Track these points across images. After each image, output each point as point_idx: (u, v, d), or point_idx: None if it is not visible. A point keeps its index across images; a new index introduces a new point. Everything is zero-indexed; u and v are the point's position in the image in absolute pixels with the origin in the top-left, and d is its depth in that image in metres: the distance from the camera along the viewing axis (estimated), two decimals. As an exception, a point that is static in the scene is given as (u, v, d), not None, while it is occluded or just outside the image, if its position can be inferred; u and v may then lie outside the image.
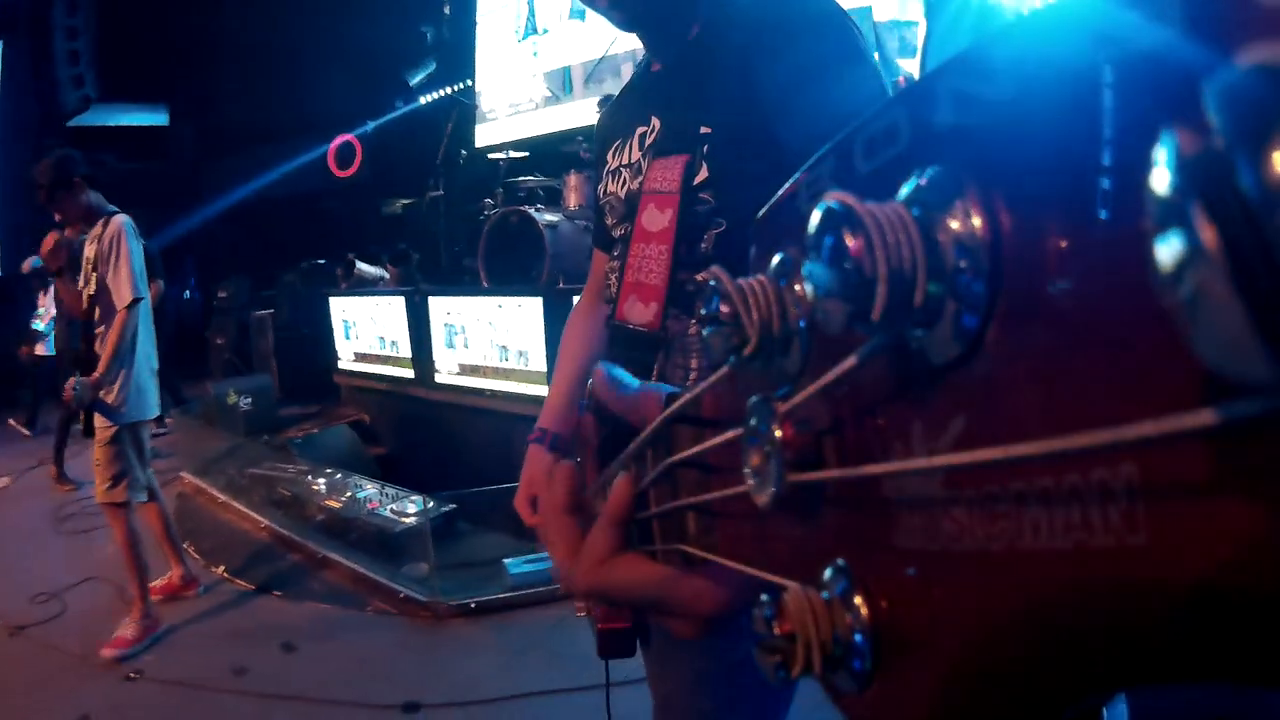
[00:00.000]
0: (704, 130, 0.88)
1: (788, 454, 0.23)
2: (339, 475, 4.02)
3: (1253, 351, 0.10)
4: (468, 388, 4.00)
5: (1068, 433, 0.14)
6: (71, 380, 2.69)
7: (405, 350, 4.53)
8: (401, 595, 2.98)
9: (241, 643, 2.85)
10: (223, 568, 3.50)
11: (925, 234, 0.16)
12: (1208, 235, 0.10)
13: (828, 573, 0.23)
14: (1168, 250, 0.11)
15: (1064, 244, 0.14)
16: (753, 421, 0.25)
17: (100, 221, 2.77)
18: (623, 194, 1.01)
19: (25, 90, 9.28)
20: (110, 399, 2.72)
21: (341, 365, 5.20)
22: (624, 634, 0.77)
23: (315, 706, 2.42)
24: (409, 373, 4.50)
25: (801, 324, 0.23)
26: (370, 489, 3.77)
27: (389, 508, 3.53)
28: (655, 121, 0.96)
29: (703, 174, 0.87)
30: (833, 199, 0.17)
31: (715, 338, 0.24)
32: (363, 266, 5.50)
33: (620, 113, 1.09)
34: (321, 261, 6.53)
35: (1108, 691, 0.15)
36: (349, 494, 3.77)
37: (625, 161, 1.01)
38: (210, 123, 10.31)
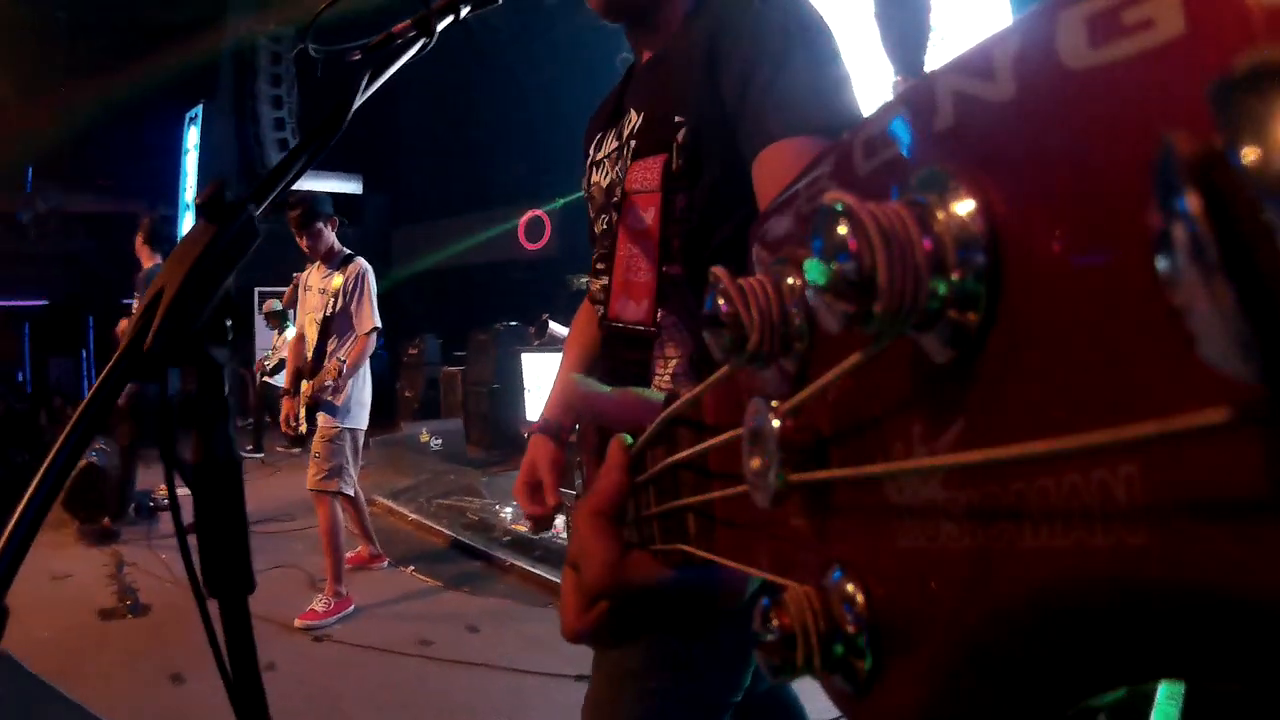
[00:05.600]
0: (678, 120, 0.89)
1: (788, 454, 0.23)
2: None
3: (1253, 351, 0.10)
4: None
5: (1068, 432, 0.14)
6: (290, 407, 3.25)
7: None
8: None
9: (427, 622, 3.10)
10: (411, 568, 3.80)
11: (926, 234, 0.16)
12: (1208, 234, 0.10)
13: (828, 572, 0.23)
14: (1169, 249, 0.11)
15: (1065, 243, 0.14)
16: (753, 421, 0.25)
17: (340, 259, 3.32)
18: (605, 184, 1.02)
19: (223, 151, 10.41)
20: (338, 402, 3.18)
21: (530, 418, 5.42)
22: None
23: (493, 673, 2.63)
24: None
25: (802, 324, 0.23)
26: (558, 518, 3.96)
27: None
28: (634, 115, 0.98)
29: (678, 165, 0.89)
30: (833, 199, 0.17)
31: (715, 337, 0.24)
32: (555, 326, 5.69)
33: (603, 109, 1.11)
34: (514, 322, 6.85)
35: (1107, 691, 0.15)
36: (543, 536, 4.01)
37: (606, 152, 1.03)
38: (401, 192, 11.34)
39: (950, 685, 0.18)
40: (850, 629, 0.21)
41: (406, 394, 8.19)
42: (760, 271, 0.24)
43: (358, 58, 0.79)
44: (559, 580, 3.31)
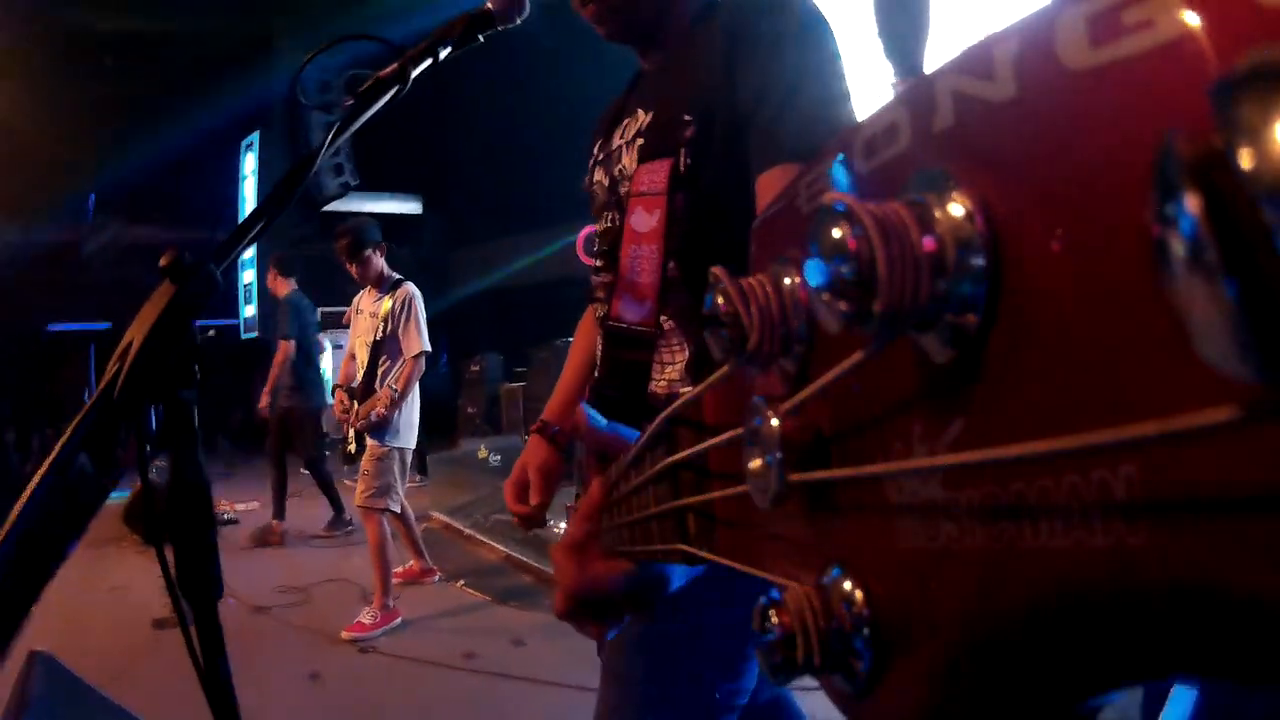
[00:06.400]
0: (687, 118, 0.90)
1: (788, 453, 0.23)
2: None
3: (1253, 351, 0.10)
4: None
5: (1068, 432, 0.14)
6: (352, 407, 3.34)
7: None
8: None
9: (473, 636, 3.14)
10: (461, 582, 3.84)
11: (925, 234, 0.16)
12: (1208, 234, 0.10)
13: (828, 572, 0.23)
14: (1169, 249, 0.11)
15: (1065, 243, 0.14)
16: (753, 421, 0.25)
17: (389, 284, 3.42)
18: (607, 182, 1.03)
19: (279, 178, 10.51)
20: (387, 425, 3.28)
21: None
22: None
23: (538, 687, 2.62)
24: None
25: (801, 324, 0.23)
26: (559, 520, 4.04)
27: None
28: (641, 114, 0.99)
29: (685, 166, 0.89)
30: (833, 198, 0.17)
31: (715, 337, 0.24)
32: None
33: (608, 112, 1.12)
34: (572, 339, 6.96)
35: (1107, 691, 0.15)
36: None
37: (610, 150, 1.03)
38: (460, 211, 11.48)
39: (950, 686, 0.18)
40: (850, 629, 0.21)
41: (469, 410, 8.39)
42: (760, 271, 0.24)
43: (350, 103, 0.82)
44: None
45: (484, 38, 0.91)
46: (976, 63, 0.16)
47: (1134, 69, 0.12)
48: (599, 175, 1.05)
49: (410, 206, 11.72)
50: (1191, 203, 0.11)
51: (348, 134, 0.78)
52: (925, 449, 0.18)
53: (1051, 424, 0.14)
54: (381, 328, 3.36)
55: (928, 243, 0.16)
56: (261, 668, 2.63)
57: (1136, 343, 0.13)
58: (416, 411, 3.43)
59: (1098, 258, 0.13)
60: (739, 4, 0.92)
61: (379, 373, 3.38)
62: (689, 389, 0.36)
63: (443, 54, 0.86)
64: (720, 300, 0.23)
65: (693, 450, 0.35)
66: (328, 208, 9.43)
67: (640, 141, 0.97)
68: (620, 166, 0.99)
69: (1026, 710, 0.17)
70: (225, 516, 5.20)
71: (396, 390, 3.26)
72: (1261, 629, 0.11)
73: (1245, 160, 0.10)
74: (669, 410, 0.38)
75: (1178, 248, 0.11)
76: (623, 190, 0.98)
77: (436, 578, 3.86)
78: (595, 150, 1.08)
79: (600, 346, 1.01)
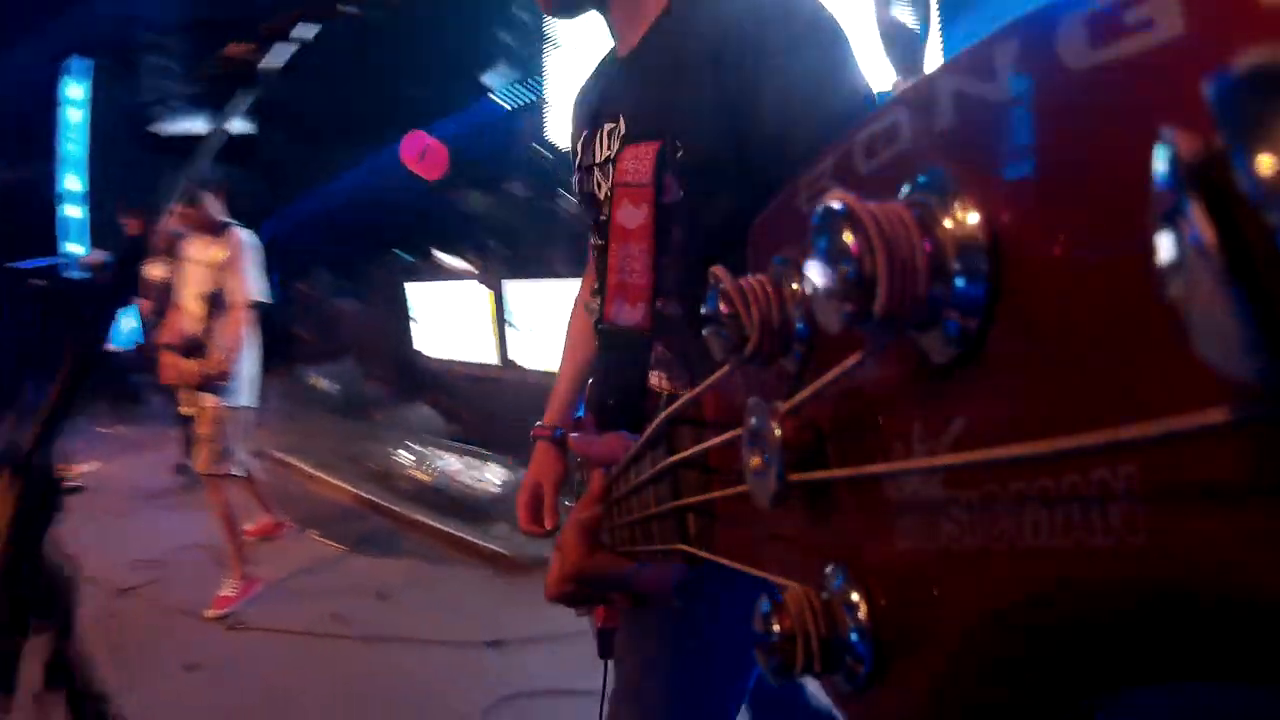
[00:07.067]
0: (673, 123, 0.83)
1: (788, 454, 0.23)
2: (424, 449, 4.16)
3: (1253, 351, 0.10)
4: (545, 371, 4.12)
5: (1068, 432, 0.14)
6: (181, 364, 3.08)
7: (485, 335, 4.62)
8: (486, 550, 3.17)
9: (337, 594, 3.06)
10: (316, 532, 3.65)
11: (926, 234, 0.16)
12: (1208, 234, 0.10)
13: (828, 572, 0.23)
14: (1168, 250, 0.11)
15: (1064, 244, 0.14)
16: (753, 421, 0.25)
17: (219, 228, 3.13)
18: (601, 196, 0.97)
19: (114, 102, 9.99)
20: (224, 382, 3.07)
21: (422, 351, 5.34)
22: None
23: (409, 646, 2.62)
24: (489, 358, 4.58)
25: (801, 324, 0.23)
26: (454, 461, 3.92)
27: (472, 476, 3.69)
28: (621, 122, 0.91)
29: (675, 195, 0.83)
30: (833, 199, 0.17)
31: (715, 337, 0.24)
32: (441, 257, 5.56)
33: (587, 100, 1.04)
34: (401, 253, 6.62)
35: (1107, 692, 0.15)
36: (434, 465, 3.92)
37: (596, 160, 0.97)
38: (293, 127, 10.51)
39: (950, 685, 0.18)
40: (850, 629, 0.21)
41: (300, 332, 7.79)
42: (760, 271, 0.24)
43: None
44: (466, 536, 3.27)
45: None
46: (977, 63, 0.16)
47: (1134, 69, 0.12)
48: (589, 187, 0.99)
49: (242, 125, 11.15)
50: (1191, 203, 0.11)
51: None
52: (925, 449, 0.18)
53: (1051, 424, 0.14)
54: (212, 277, 3.08)
55: (927, 244, 0.16)
56: (139, 666, 2.59)
57: (1136, 343, 0.13)
58: (253, 364, 3.17)
59: (1097, 258, 0.13)
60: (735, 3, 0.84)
61: (210, 325, 3.10)
62: (688, 389, 0.36)
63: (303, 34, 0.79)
64: (720, 301, 0.23)
65: (693, 450, 0.35)
66: (158, 129, 8.76)
67: (620, 150, 0.90)
68: (609, 186, 0.93)
69: (1026, 710, 0.17)
70: (69, 484, 4.93)
71: (229, 349, 3.02)
72: (1262, 629, 0.11)
73: (1244, 160, 0.10)
74: (669, 410, 0.38)
75: (1177, 248, 0.11)
76: (603, 216, 0.94)
77: (287, 530, 3.63)
78: (578, 149, 1.01)
79: (597, 352, 1.00)
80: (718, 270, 0.24)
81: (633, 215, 0.88)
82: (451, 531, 3.39)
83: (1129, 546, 0.13)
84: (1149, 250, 0.12)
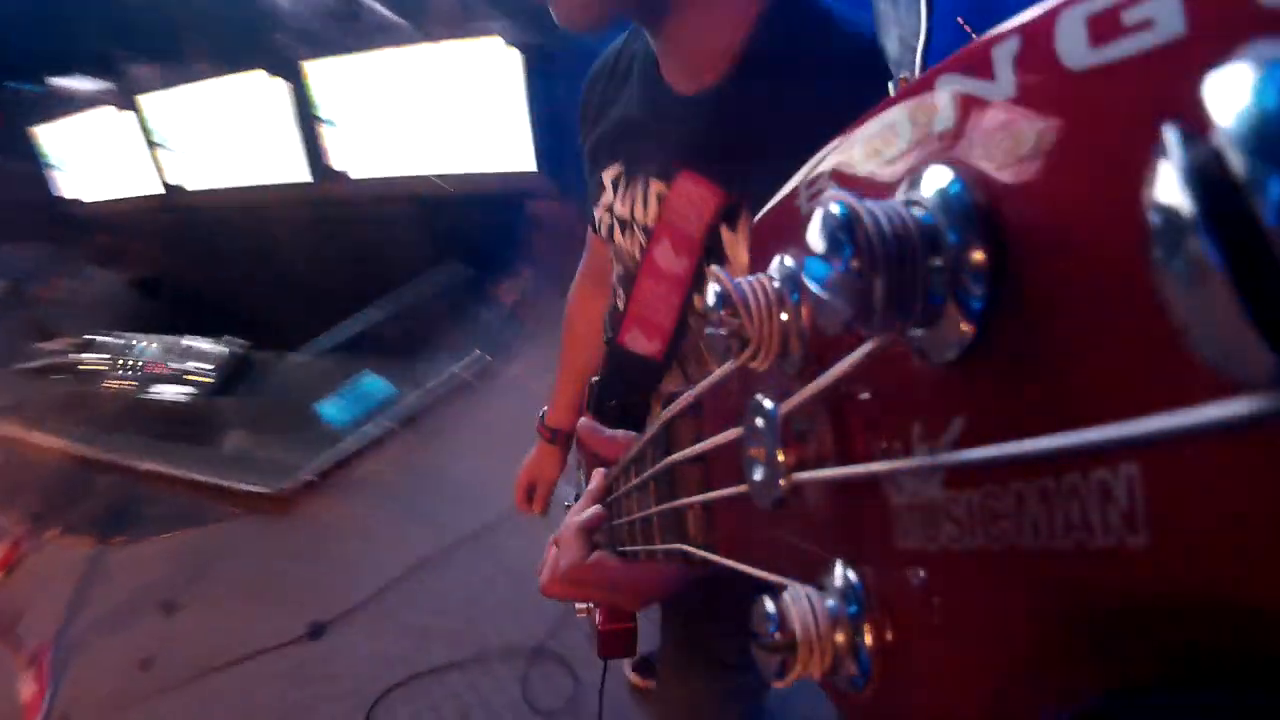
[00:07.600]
0: (750, 187, 0.69)
1: (788, 454, 0.23)
2: (111, 341, 3.40)
3: (1255, 350, 0.10)
4: (226, 188, 3.61)
5: (1068, 432, 0.14)
6: None
7: (144, 162, 3.96)
8: (242, 492, 2.72)
9: (127, 624, 2.44)
10: (57, 529, 2.92)
11: (926, 233, 0.16)
12: (1209, 236, 0.10)
13: (827, 573, 0.23)
14: (1169, 249, 0.11)
15: (1065, 244, 0.14)
16: (753, 421, 0.25)
17: None
18: (637, 253, 0.84)
19: None
20: None
21: (70, 197, 4.46)
22: (625, 635, 0.77)
23: (227, 672, 2.14)
24: (153, 186, 4.00)
25: (801, 324, 0.23)
26: (152, 347, 3.30)
27: (176, 365, 3.17)
28: (682, 177, 0.74)
29: (731, 223, 0.71)
30: (833, 198, 0.17)
31: (715, 337, 0.24)
32: (64, 83, 4.30)
33: (625, 120, 0.85)
34: (13, 85, 4.62)
35: (1108, 692, 0.15)
36: (131, 364, 3.24)
37: (633, 215, 0.83)
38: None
39: (950, 686, 0.18)
40: (850, 630, 0.21)
41: None
42: (760, 271, 0.24)
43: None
44: (209, 479, 2.73)
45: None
46: (977, 62, 0.16)
47: (1134, 69, 0.12)
48: (620, 238, 0.87)
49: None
50: (1190, 203, 0.11)
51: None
52: (925, 449, 0.18)
53: (1051, 424, 0.14)
54: None
55: (927, 244, 0.16)
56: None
57: (1137, 342, 0.13)
58: None
59: (1097, 258, 0.13)
60: (798, 52, 0.67)
61: None
62: (688, 389, 0.36)
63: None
64: (720, 301, 0.23)
65: (693, 450, 0.35)
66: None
67: (672, 201, 0.76)
68: (643, 222, 0.82)
69: (1026, 712, 0.17)
70: None
71: None
72: (1263, 633, 0.11)
73: (1244, 160, 0.10)
74: (669, 410, 0.38)
75: (1178, 249, 0.11)
76: (638, 248, 0.83)
77: (25, 544, 2.80)
78: (604, 180, 0.87)
79: (604, 358, 0.98)
80: (718, 270, 0.24)
81: (672, 261, 0.78)
82: (197, 478, 2.76)
83: (1130, 548, 0.13)
84: (1150, 251, 0.12)
